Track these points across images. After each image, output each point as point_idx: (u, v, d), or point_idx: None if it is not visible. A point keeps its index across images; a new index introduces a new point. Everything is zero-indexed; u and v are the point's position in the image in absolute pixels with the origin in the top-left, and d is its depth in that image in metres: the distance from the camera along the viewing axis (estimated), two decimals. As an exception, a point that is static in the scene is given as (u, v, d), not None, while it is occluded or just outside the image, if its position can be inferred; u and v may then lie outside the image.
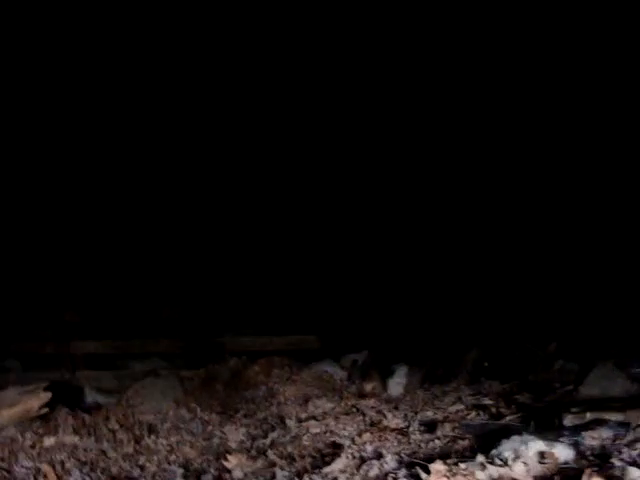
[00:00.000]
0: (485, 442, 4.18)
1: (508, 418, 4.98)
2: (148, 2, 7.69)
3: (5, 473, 4.54)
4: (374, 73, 8.31)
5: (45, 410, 5.76)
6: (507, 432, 4.10)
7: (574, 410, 4.49)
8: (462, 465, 3.67)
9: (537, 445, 3.69)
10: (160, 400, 6.17)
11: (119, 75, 8.31)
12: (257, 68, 8.35)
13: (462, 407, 5.45)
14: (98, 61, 8.14)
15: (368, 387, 6.24)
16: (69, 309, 7.52)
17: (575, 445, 3.92)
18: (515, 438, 3.80)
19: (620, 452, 3.82)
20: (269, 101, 8.37)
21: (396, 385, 6.14)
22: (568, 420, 4.41)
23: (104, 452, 5.06)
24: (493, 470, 3.57)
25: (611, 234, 7.58)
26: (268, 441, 4.98)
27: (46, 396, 5.77)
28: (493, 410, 5.29)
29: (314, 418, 5.46)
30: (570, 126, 7.82)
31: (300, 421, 5.41)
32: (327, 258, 8.21)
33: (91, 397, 6.75)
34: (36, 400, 5.72)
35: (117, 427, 5.57)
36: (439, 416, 5.27)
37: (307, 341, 7.34)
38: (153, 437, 5.30)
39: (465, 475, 3.55)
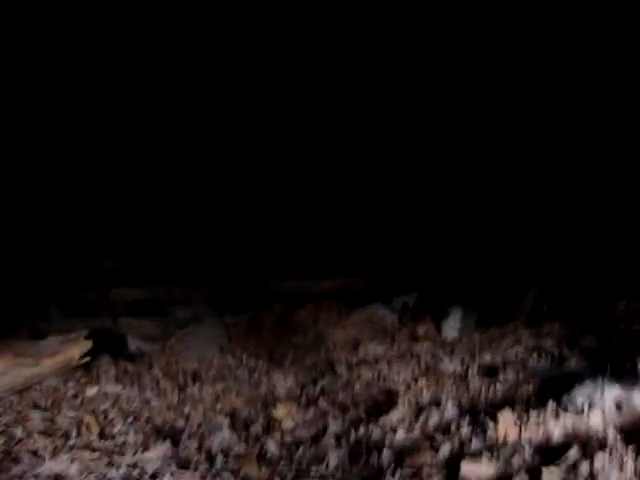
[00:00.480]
0: (553, 388, 3.89)
1: (573, 362, 4.68)
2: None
3: (49, 423, 4.36)
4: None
5: (87, 359, 5.56)
6: (578, 377, 3.81)
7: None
8: (532, 413, 3.38)
9: (614, 392, 3.38)
10: (204, 347, 5.95)
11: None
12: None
13: (522, 350, 5.15)
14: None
15: (421, 330, 5.93)
16: (109, 255, 7.32)
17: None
18: (588, 383, 3.49)
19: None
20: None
21: (451, 328, 5.83)
22: (644, 364, 4.08)
23: (148, 401, 4.86)
24: (567, 419, 3.27)
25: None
26: (318, 388, 4.73)
27: (87, 345, 5.55)
28: (556, 353, 4.99)
29: (366, 363, 5.19)
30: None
31: (351, 367, 5.15)
32: (376, 197, 7.88)
33: (134, 345, 6.55)
34: (77, 349, 5.50)
35: (160, 375, 5.35)
36: (498, 360, 4.98)
37: (355, 283, 7.02)
38: (198, 385, 5.07)
39: (537, 424, 3.25)
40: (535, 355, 4.94)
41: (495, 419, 3.37)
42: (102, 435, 4.13)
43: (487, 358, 5.03)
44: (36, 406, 4.73)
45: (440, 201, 7.63)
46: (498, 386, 4.27)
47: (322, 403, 4.35)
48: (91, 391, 5.06)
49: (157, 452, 3.79)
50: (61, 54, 7.77)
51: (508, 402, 3.84)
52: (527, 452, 3.14)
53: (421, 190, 7.79)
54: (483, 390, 4.28)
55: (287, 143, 8.26)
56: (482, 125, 7.85)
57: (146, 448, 3.84)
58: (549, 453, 3.12)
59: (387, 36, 7.76)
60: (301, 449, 3.72)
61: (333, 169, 8.12)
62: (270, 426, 4.14)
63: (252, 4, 7.53)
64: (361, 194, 7.94)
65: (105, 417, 4.55)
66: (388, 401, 4.26)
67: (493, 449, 3.21)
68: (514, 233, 7.07)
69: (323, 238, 7.37)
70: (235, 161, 8.33)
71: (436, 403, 4.10)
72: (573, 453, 3.01)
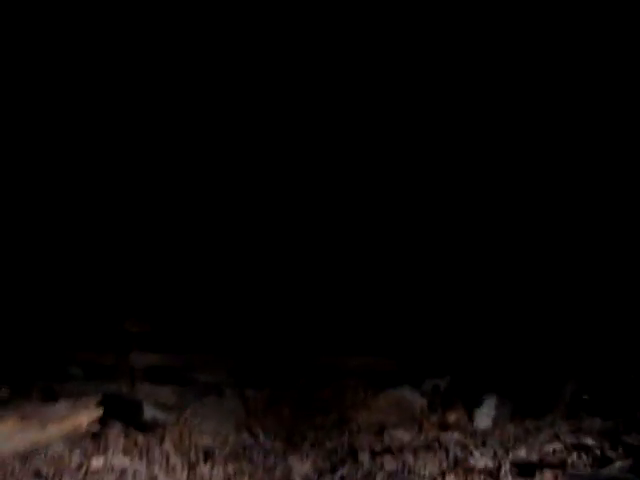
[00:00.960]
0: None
1: (617, 464, 4.28)
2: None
3: (50, 495, 4.09)
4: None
5: (96, 427, 5.29)
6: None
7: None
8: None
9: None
10: (221, 422, 5.64)
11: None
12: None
13: (560, 446, 4.75)
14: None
15: (451, 417, 5.55)
16: (131, 317, 7.09)
17: None
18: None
19: None
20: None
21: (484, 417, 5.43)
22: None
23: (155, 478, 4.55)
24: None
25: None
26: (337, 477, 4.39)
27: (97, 412, 5.31)
28: (597, 452, 4.59)
29: (390, 451, 4.82)
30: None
31: (374, 454, 4.78)
32: (409, 272, 7.59)
33: (149, 413, 6.22)
34: (86, 415, 5.26)
35: (171, 450, 5.04)
36: (534, 457, 4.59)
37: (384, 363, 6.66)
38: (209, 464, 4.77)
39: None
40: (575, 454, 4.55)
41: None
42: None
43: (522, 454, 4.64)
44: (38, 474, 4.49)
45: (482, 281, 7.31)
46: (534, 489, 3.90)
47: (339, 496, 4.01)
48: (96, 462, 4.78)
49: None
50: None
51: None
52: None
53: (462, 271, 7.48)
54: (516, 492, 3.91)
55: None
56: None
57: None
58: None
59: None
60: None
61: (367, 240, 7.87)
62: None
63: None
64: (398, 269, 7.65)
65: (107, 494, 4.26)
66: (411, 498, 3.91)
67: None
68: (554, 318, 6.70)
69: (353, 314, 7.05)
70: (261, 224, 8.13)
71: (464, 503, 3.75)
72: None
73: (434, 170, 7.83)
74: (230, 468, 4.68)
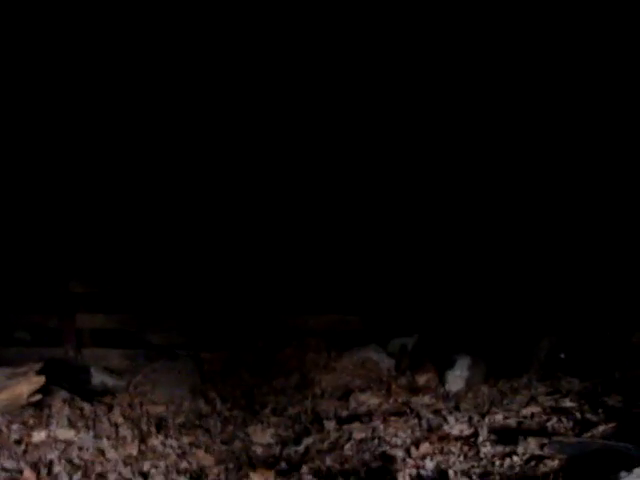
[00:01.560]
0: (586, 469, 3.21)
1: (601, 429, 3.99)
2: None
3: (-19, 474, 3.69)
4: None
5: (38, 397, 4.85)
6: (617, 456, 3.13)
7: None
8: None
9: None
10: (174, 387, 5.27)
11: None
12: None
13: (538, 410, 4.44)
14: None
15: (421, 379, 5.22)
16: (75, 278, 6.63)
17: None
18: (638, 472, 2.77)
19: None
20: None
21: (456, 378, 5.10)
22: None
23: (102, 452, 4.17)
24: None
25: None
26: (301, 448, 4.03)
27: (38, 381, 4.85)
28: (577, 415, 4.29)
29: (358, 418, 4.47)
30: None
31: (341, 422, 4.43)
32: (378, 227, 7.27)
33: (98, 378, 5.88)
34: (26, 385, 4.81)
35: (121, 420, 4.65)
36: (512, 421, 4.28)
37: (348, 322, 6.27)
38: (162, 436, 4.38)
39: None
40: (554, 417, 4.26)
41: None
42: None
43: (499, 418, 4.32)
44: (-30, 452, 4.05)
45: (450, 234, 7.00)
46: (515, 458, 3.57)
47: (306, 471, 3.64)
48: (38, 436, 4.36)
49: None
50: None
51: (528, 481, 3.19)
52: None
53: (430, 222, 7.19)
54: (497, 461, 3.59)
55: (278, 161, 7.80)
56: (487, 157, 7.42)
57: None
58: None
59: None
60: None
61: (331, 195, 7.62)
62: (241, 498, 3.45)
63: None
64: (363, 224, 7.33)
65: (49, 470, 3.87)
66: (384, 470, 3.57)
67: None
68: (528, 272, 6.40)
69: (316, 269, 6.65)
70: (224, 179, 7.82)
71: (441, 476, 3.42)
72: None
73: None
74: (185, 439, 4.31)
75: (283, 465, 3.79)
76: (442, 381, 5.17)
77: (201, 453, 4.11)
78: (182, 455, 4.08)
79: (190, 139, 7.91)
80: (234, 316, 6.38)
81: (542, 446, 3.63)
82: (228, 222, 7.46)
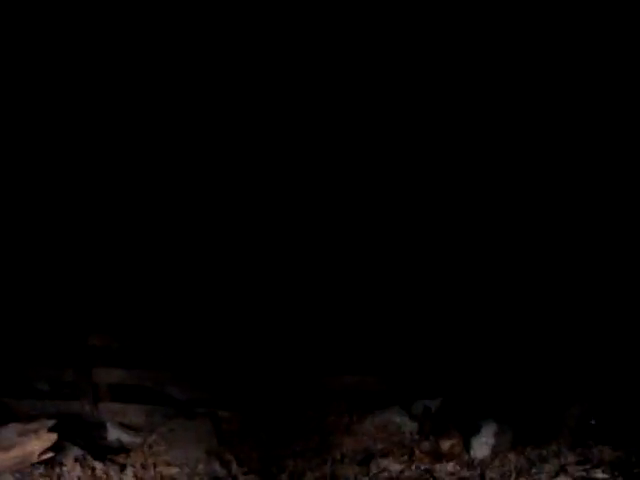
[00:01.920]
0: None
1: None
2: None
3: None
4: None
5: (50, 454, 4.71)
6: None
7: None
8: None
9: None
10: (189, 447, 5.08)
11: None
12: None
13: (568, 480, 4.26)
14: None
15: (445, 445, 5.00)
16: (94, 331, 6.51)
17: None
18: None
19: None
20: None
21: (482, 445, 4.89)
22: None
23: (112, 515, 4.01)
24: None
25: None
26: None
27: (50, 438, 4.70)
28: (610, 487, 4.10)
29: (377, 485, 4.29)
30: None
31: (360, 488, 4.25)
32: (399, 287, 7.13)
33: (114, 434, 5.73)
34: (37, 443, 4.67)
35: (133, 482, 4.49)
36: (539, 492, 4.09)
37: (370, 383, 6.07)
38: (174, 500, 4.20)
39: None
40: (585, 489, 4.07)
41: None
42: None
43: (525, 489, 4.14)
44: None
45: (479, 294, 6.85)
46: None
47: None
48: (46, 497, 4.23)
49: None
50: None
51: None
52: None
53: (458, 283, 7.05)
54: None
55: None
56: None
57: None
58: None
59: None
60: None
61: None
62: None
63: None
64: (386, 284, 7.20)
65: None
66: None
67: None
68: (557, 336, 6.20)
69: (339, 329, 6.49)
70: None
71: None
72: None
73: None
74: (198, 504, 4.14)
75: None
76: (467, 447, 4.96)
77: (213, 519, 3.94)
78: (193, 521, 3.90)
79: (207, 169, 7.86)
80: (256, 374, 6.22)
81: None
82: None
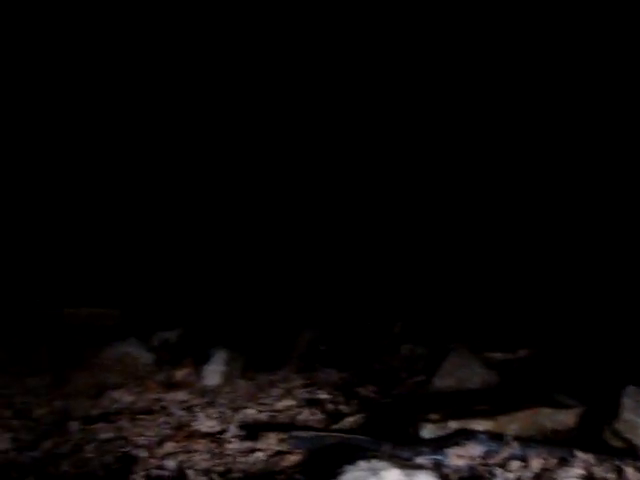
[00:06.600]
0: (321, 462, 3.22)
1: (350, 421, 4.04)
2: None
3: None
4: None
5: None
6: (349, 450, 3.16)
7: (433, 417, 3.56)
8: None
9: (392, 475, 2.71)
10: None
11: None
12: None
13: (293, 403, 4.46)
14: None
15: (178, 375, 5.06)
16: None
17: (437, 468, 3.03)
18: (362, 464, 2.79)
19: (493, 475, 2.98)
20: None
21: (213, 373, 5.00)
22: (427, 430, 3.49)
23: None
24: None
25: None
26: (38, 453, 3.78)
27: None
28: (330, 407, 4.35)
29: (106, 418, 4.27)
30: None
31: (88, 422, 4.21)
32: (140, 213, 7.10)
33: None
34: None
35: None
36: (263, 415, 4.26)
37: (107, 315, 6.02)
38: None
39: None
40: (306, 410, 4.28)
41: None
42: None
43: (251, 412, 4.29)
44: None
45: (209, 228, 6.94)
46: (259, 454, 3.53)
47: (35, 477, 3.41)
48: None
49: None
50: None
51: (266, 476, 3.15)
52: None
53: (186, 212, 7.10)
54: (240, 457, 3.53)
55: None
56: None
57: None
58: None
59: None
60: None
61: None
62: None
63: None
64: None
65: None
66: (123, 471, 3.41)
67: None
68: (290, 265, 6.42)
69: (73, 259, 6.36)
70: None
71: (180, 475, 3.31)
72: None
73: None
74: None
75: (14, 473, 3.53)
76: (200, 376, 5.06)
77: None
78: None
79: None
80: None
81: (281, 441, 3.61)
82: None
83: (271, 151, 7.68)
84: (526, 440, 3.32)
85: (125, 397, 4.66)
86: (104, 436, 3.95)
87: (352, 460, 2.82)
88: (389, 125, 7.75)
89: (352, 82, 7.83)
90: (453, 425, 3.47)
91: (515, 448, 3.19)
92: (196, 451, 3.66)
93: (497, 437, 3.28)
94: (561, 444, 3.28)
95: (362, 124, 7.87)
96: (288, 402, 4.46)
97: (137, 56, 7.56)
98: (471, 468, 3.07)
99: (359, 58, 7.69)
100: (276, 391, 4.71)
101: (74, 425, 4.13)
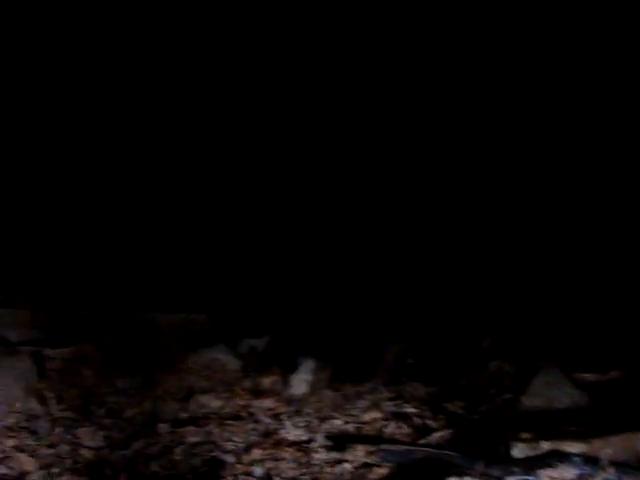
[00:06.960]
0: (410, 476, 3.19)
1: (437, 436, 3.99)
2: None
3: None
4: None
5: None
6: (440, 465, 3.12)
7: (524, 436, 3.48)
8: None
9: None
10: (8, 386, 4.94)
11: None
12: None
13: (379, 415, 4.43)
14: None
15: (266, 382, 5.08)
16: None
17: (530, 490, 2.97)
18: (453, 481, 2.75)
19: (588, 501, 2.90)
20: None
21: (300, 382, 5.00)
22: (518, 450, 3.41)
23: None
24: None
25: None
26: (129, 452, 3.85)
27: None
28: (417, 421, 4.31)
29: (195, 422, 4.33)
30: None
31: (177, 425, 4.28)
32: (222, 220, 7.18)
33: None
34: None
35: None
36: (350, 426, 4.25)
37: (196, 321, 6.12)
38: (-17, 439, 4.10)
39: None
40: (393, 423, 4.25)
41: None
42: None
43: (337, 423, 4.29)
44: None
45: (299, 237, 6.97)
46: (346, 465, 3.53)
47: (124, 477, 3.48)
48: None
49: None
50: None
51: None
52: None
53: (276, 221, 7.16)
54: (327, 468, 3.54)
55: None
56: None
57: None
58: None
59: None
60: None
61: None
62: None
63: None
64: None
65: None
66: (211, 475, 3.46)
67: None
68: (376, 273, 6.41)
69: (168, 264, 6.48)
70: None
71: (268, 483, 3.34)
72: None
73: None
74: (9, 443, 4.05)
75: (107, 471, 3.61)
76: (287, 385, 5.08)
77: (24, 457, 3.87)
78: (3, 459, 3.83)
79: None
80: (82, 311, 6.13)
81: (369, 453, 3.60)
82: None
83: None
84: (621, 465, 3.22)
85: (213, 402, 4.71)
86: (192, 439, 4.01)
87: (443, 476, 2.80)
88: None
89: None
90: (545, 445, 3.39)
91: (611, 473, 3.09)
92: (283, 459, 3.68)
93: (591, 460, 3.19)
94: (658, 471, 3.17)
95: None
96: (375, 414, 4.44)
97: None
98: (565, 491, 3.01)
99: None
100: (362, 403, 4.68)
101: (164, 427, 4.21)
